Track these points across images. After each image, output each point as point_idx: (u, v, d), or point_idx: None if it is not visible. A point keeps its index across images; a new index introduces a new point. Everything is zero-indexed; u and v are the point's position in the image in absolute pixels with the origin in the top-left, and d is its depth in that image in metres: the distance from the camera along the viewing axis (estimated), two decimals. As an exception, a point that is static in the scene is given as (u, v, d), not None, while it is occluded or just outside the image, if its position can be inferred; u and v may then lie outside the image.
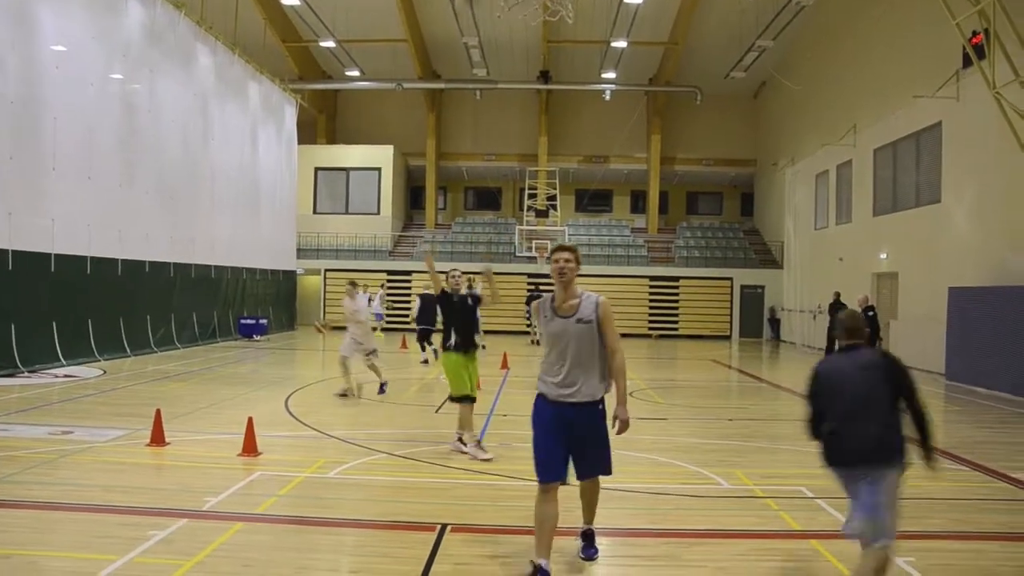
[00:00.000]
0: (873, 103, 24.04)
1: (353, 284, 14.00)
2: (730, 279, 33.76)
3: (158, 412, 9.26)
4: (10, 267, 15.56)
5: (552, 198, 35.85)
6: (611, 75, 35.67)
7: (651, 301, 33.79)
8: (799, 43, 31.00)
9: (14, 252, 15.61)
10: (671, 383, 17.79)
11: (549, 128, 37.54)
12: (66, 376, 15.39)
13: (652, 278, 33.95)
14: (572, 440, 5.13)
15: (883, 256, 23.10)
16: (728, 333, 33.57)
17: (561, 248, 5.22)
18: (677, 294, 33.84)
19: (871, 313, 16.14)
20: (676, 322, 33.73)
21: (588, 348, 5.14)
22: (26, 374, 15.24)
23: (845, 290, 23.05)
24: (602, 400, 5.21)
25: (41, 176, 16.30)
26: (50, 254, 16.72)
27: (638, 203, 40.32)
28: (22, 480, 7.42)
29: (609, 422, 5.19)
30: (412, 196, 40.43)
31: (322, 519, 6.37)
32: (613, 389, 5.20)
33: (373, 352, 13.52)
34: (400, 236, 37.30)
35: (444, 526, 6.16)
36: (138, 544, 5.63)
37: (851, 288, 22.84)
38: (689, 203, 41.24)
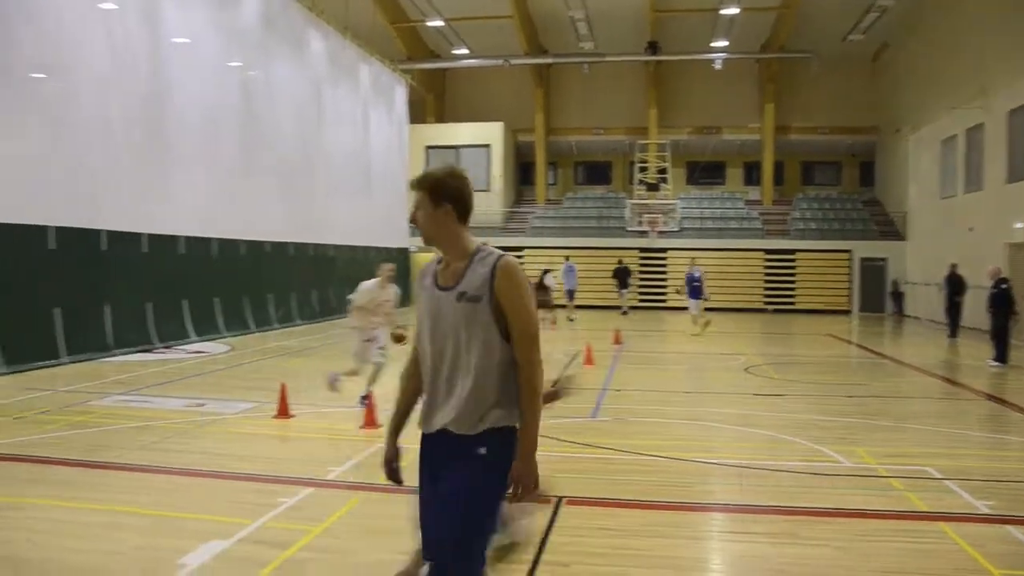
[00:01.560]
0: (1007, 62, 22.64)
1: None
2: (849, 252, 32.57)
3: (283, 386, 9.66)
4: (145, 249, 16.47)
5: (663, 171, 35.33)
6: (722, 43, 34.76)
7: (766, 275, 32.99)
8: (922, 1, 29.45)
9: (148, 235, 16.52)
10: (787, 358, 17.38)
11: (658, 100, 36.94)
12: (196, 352, 16.21)
13: (767, 251, 33.10)
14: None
15: (1019, 226, 21.84)
16: (847, 307, 32.45)
17: (412, 184, 3.25)
18: (793, 268, 32.91)
19: (1004, 286, 15.33)
20: (792, 296, 32.83)
21: (477, 343, 3.09)
22: (161, 350, 16.13)
23: (975, 263, 21.86)
24: (495, 436, 3.14)
25: (169, 163, 17.12)
26: (179, 236, 17.61)
27: (752, 174, 39.26)
28: (161, 448, 7.90)
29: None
30: (522, 172, 40.54)
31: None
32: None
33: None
34: (511, 212, 37.49)
35: (558, 498, 6.23)
36: (268, 510, 5.92)
37: (982, 260, 21.67)
38: (805, 173, 39.88)
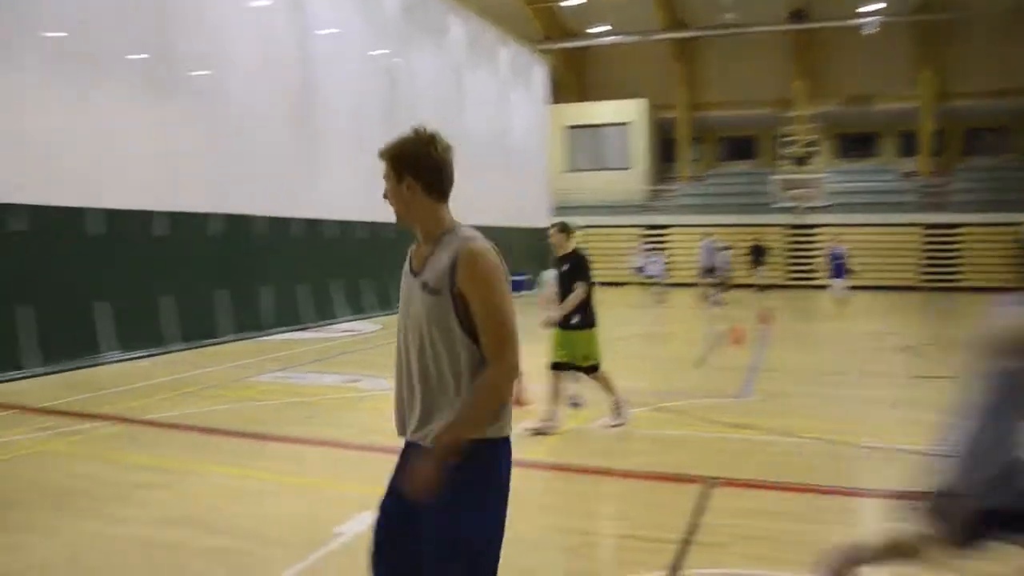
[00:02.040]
0: None
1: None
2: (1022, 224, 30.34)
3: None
4: (297, 233, 17.24)
5: (811, 144, 33.94)
6: (873, 7, 32.94)
7: (925, 251, 31.18)
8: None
9: (299, 220, 17.29)
10: (949, 338, 16.40)
11: (805, 70, 35.45)
12: (346, 331, 16.83)
13: (926, 226, 31.27)
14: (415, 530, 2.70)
15: None
16: (1022, 284, 30.30)
17: (379, 153, 2.86)
18: (956, 243, 30.95)
19: None
20: (955, 273, 30.90)
21: (440, 343, 2.62)
22: (313, 329, 16.85)
23: None
24: (482, 447, 2.65)
25: (318, 151, 17.83)
26: (329, 220, 18.32)
27: (908, 145, 37.11)
28: (318, 422, 8.25)
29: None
30: (663, 149, 39.84)
31: (587, 468, 6.51)
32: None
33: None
34: (653, 191, 36.97)
35: (710, 479, 6.09)
36: (421, 484, 6.06)
37: None
38: (968, 142, 37.35)
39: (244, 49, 15.56)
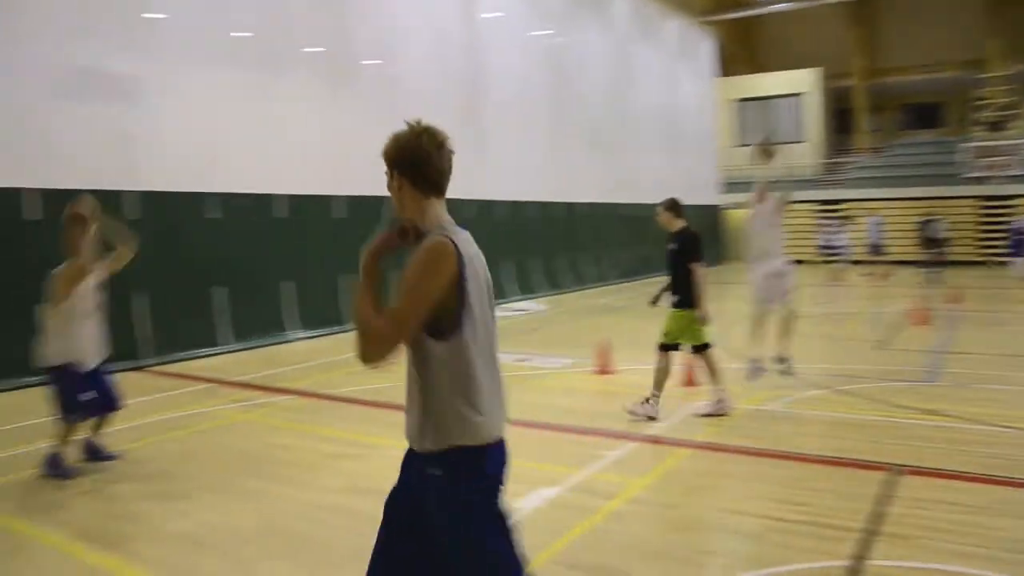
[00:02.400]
0: None
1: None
2: None
3: (604, 342, 9.92)
4: (469, 215, 17.67)
5: (1008, 107, 31.34)
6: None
7: None
8: None
9: (470, 201, 17.71)
10: None
11: (1001, 27, 32.70)
12: (517, 310, 17.13)
13: None
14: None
15: None
16: None
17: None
18: None
19: None
20: None
21: (415, 339, 2.59)
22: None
23: None
24: (443, 461, 2.57)
25: (487, 133, 18.17)
26: (498, 201, 18.69)
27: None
28: (492, 400, 8.46)
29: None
30: (839, 120, 37.96)
31: (763, 450, 6.38)
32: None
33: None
34: (828, 164, 35.33)
35: (895, 467, 5.83)
36: (593, 462, 6.15)
37: None
38: None
39: (414, 36, 16.10)
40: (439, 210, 2.69)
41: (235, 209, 12.62)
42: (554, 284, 20.49)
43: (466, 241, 2.65)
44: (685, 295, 7.59)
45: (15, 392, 9.32)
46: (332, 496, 5.54)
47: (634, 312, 16.14)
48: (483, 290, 2.65)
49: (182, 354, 11.60)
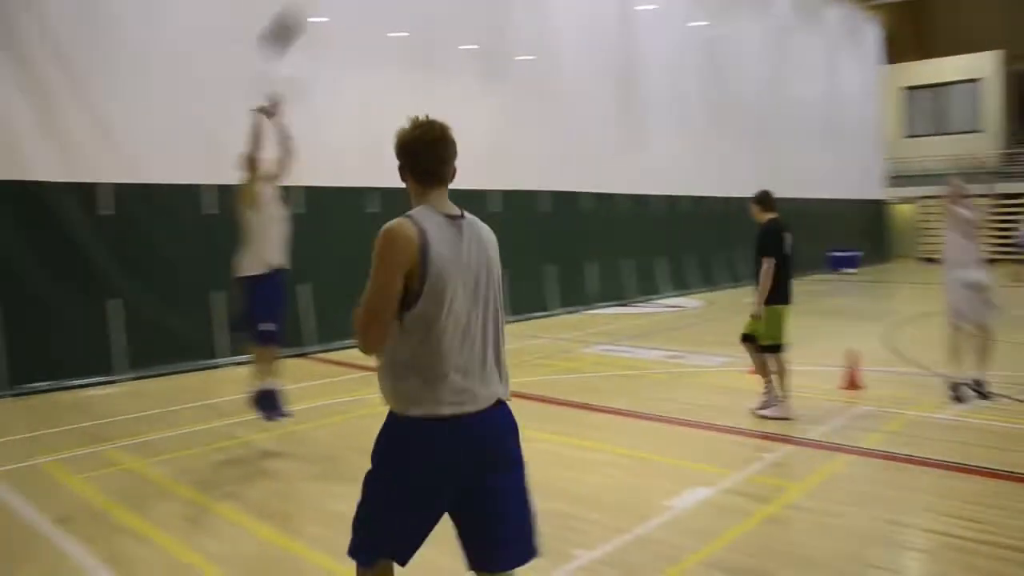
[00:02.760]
0: None
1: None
2: None
3: (757, 341, 9.64)
4: (622, 209, 17.61)
5: None
6: None
7: None
8: None
9: (624, 196, 17.64)
10: None
11: None
12: (670, 306, 16.90)
13: None
14: None
15: None
16: None
17: None
18: None
19: None
20: None
21: None
22: (638, 303, 17.13)
23: None
24: (390, 417, 2.91)
25: (642, 126, 18.04)
26: (653, 196, 18.51)
27: None
28: (645, 395, 8.40)
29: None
30: (1022, 107, 35.19)
31: (931, 460, 6.01)
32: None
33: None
34: (1009, 155, 32.83)
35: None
36: (749, 463, 5.98)
37: None
38: None
39: (568, 31, 16.14)
40: (435, 198, 2.85)
41: (393, 204, 12.99)
42: (709, 280, 20.08)
43: (443, 224, 2.79)
44: (769, 292, 7.38)
45: (199, 373, 10.01)
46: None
47: (792, 310, 15.60)
48: (458, 271, 2.73)
49: (343, 342, 12.11)
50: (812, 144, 24.82)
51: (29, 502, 5.53)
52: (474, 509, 2.81)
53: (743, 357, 10.03)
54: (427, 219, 2.75)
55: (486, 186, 14.56)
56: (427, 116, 2.91)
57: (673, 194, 19.08)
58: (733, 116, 21.06)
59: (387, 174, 12.99)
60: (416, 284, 2.64)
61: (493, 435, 2.82)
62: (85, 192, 9.87)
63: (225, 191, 10.78)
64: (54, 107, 9.62)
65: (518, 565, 2.85)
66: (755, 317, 7.37)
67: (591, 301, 16.53)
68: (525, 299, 14.99)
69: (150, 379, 9.88)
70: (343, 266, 12.22)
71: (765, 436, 6.74)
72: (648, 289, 18.15)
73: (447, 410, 2.71)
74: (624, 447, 6.51)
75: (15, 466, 6.45)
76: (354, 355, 11.49)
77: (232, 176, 10.51)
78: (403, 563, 2.89)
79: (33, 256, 9.49)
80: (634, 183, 17.89)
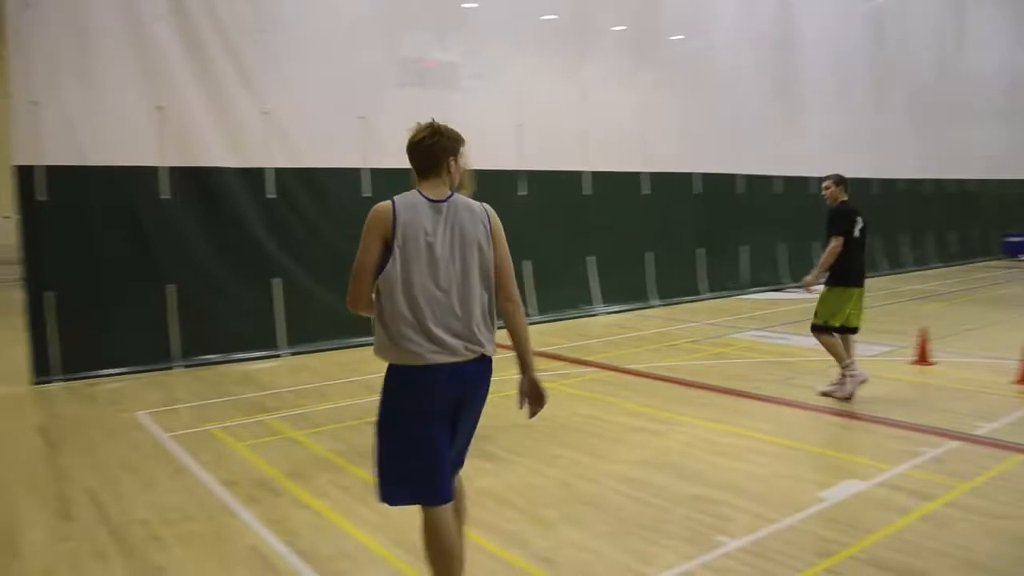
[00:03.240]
0: None
1: None
2: None
3: (924, 331, 9.14)
4: (778, 191, 17.06)
5: None
6: None
7: None
8: None
9: (780, 178, 17.11)
10: None
11: None
12: (826, 292, 16.24)
13: None
14: None
15: None
16: None
17: None
18: None
19: None
20: None
21: None
22: (791, 289, 16.56)
23: None
24: (388, 373, 3.41)
25: (798, 106, 17.35)
26: (810, 177, 17.79)
27: None
28: (797, 383, 8.13)
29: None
30: None
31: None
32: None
33: None
34: None
35: None
36: (908, 458, 5.69)
37: None
38: None
39: (723, 6, 15.72)
40: (425, 186, 3.39)
41: (544, 186, 13.11)
42: (868, 266, 19.12)
43: (422, 204, 3.32)
44: (830, 272, 7.55)
45: (352, 350, 10.44)
46: (629, 468, 5.62)
47: (958, 300, 14.71)
48: (425, 243, 3.26)
49: (499, 322, 12.33)
50: (988, 121, 23.14)
51: (201, 465, 5.95)
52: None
53: (904, 346, 9.60)
54: (405, 200, 3.32)
55: (637, 168, 14.44)
56: (431, 121, 3.47)
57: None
58: (898, 93, 19.89)
59: (536, 158, 13.28)
60: (388, 250, 3.24)
61: (465, 383, 3.34)
62: (253, 177, 10.45)
63: (379, 175, 11.21)
64: (225, 97, 10.23)
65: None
66: (804, 286, 7.79)
67: (743, 286, 16.11)
68: (674, 283, 14.80)
69: (308, 355, 10.39)
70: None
71: (927, 430, 6.39)
72: (803, 275, 17.47)
73: (413, 360, 3.24)
74: (775, 435, 6.33)
75: (189, 431, 6.95)
76: (502, 336, 11.67)
77: (386, 160, 10.96)
78: (432, 503, 3.36)
79: (207, 238, 10.15)
80: (789, 164, 17.25)
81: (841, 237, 7.49)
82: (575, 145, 13.53)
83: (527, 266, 12.90)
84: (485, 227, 3.42)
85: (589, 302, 13.74)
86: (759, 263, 16.60)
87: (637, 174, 14.46)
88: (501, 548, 4.37)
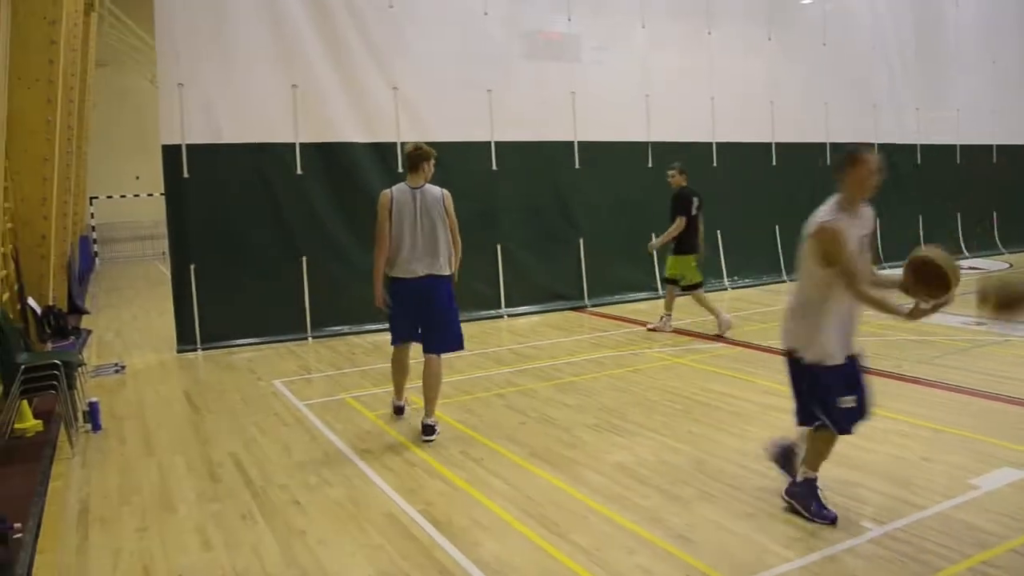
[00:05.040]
0: None
1: None
2: None
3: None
4: (918, 161, 16.17)
5: None
6: None
7: None
8: None
9: (921, 146, 16.18)
10: None
11: None
12: (970, 267, 15.34)
13: None
14: None
15: None
16: None
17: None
18: None
19: None
20: None
21: None
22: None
23: None
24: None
25: (944, 66, 16.38)
26: (956, 146, 16.81)
27: None
28: (942, 363, 7.71)
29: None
30: None
31: None
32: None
33: None
34: None
35: None
36: (1066, 446, 5.31)
37: None
38: None
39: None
40: (410, 179, 5.91)
41: (666, 159, 12.82)
42: (1019, 240, 17.96)
43: (405, 190, 5.88)
44: (677, 243, 9.75)
45: (483, 322, 10.50)
46: (760, 446, 5.44)
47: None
48: (408, 212, 5.82)
49: (612, 297, 12.21)
50: None
51: (336, 433, 6.12)
52: (422, 324, 5.97)
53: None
54: (398, 188, 5.89)
55: (766, 139, 13.98)
56: (416, 142, 5.96)
57: (978, 143, 17.21)
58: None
59: (660, 129, 13.00)
60: (390, 217, 5.80)
61: (425, 289, 5.86)
62: (383, 151, 10.64)
63: (504, 147, 11.24)
64: (356, 74, 10.43)
65: (442, 352, 5.99)
66: (650, 250, 10.34)
67: (883, 260, 15.38)
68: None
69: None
70: (616, 219, 12.29)
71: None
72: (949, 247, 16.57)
73: (401, 275, 5.87)
74: (921, 418, 6.01)
75: (324, 399, 7.18)
76: (627, 309, 11.59)
77: (515, 134, 11.00)
78: (400, 343, 6.23)
79: (339, 212, 10.41)
80: (931, 133, 16.34)
81: (683, 216, 9.46)
82: (703, 116, 13.21)
83: (653, 239, 12.71)
84: (440, 203, 5.87)
85: (719, 276, 13.40)
86: (896, 236, 15.77)
87: (762, 144, 13.99)
88: (636, 524, 4.31)
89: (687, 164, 13.08)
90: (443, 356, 5.98)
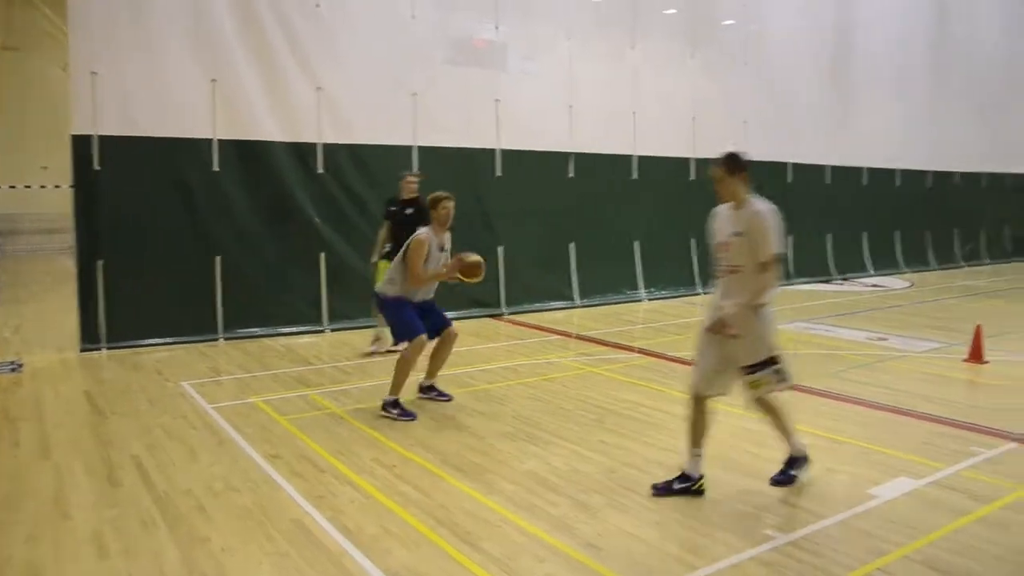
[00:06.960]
0: None
1: None
2: None
3: (978, 328, 8.88)
4: (827, 181, 16.72)
5: None
6: None
7: None
8: None
9: (830, 167, 16.75)
10: None
11: None
12: (873, 285, 15.94)
13: None
14: None
15: None
16: None
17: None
18: None
19: None
20: None
21: None
22: (838, 281, 16.28)
23: None
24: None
25: (854, 94, 17.03)
26: (862, 168, 17.45)
27: None
28: (847, 377, 7.98)
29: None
30: None
31: None
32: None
33: None
34: None
35: None
36: (962, 458, 5.55)
37: None
38: None
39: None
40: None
41: (588, 169, 12.98)
42: (918, 260, 18.73)
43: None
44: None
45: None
46: (676, 457, 5.53)
47: (1017, 296, 14.39)
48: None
49: (531, 305, 12.28)
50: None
51: (245, 437, 5.98)
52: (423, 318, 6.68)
53: (955, 343, 9.38)
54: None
55: (686, 154, 14.26)
56: (443, 192, 6.83)
57: (882, 167, 17.89)
58: (960, 83, 19.27)
59: (582, 139, 13.21)
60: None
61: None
62: (303, 151, 10.48)
63: (427, 152, 11.20)
64: (278, 72, 10.25)
65: (443, 328, 6.89)
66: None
67: (789, 276, 15.83)
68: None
69: (349, 331, 10.42)
70: (536, 228, 12.38)
71: (982, 430, 6.22)
72: (850, 266, 17.15)
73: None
74: (822, 429, 6.20)
75: (232, 403, 7.00)
76: (544, 318, 11.64)
77: (438, 139, 11.00)
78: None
79: (255, 211, 10.20)
80: (839, 154, 16.94)
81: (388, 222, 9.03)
82: (624, 129, 13.41)
83: (571, 249, 12.83)
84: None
85: (634, 287, 13.60)
86: (805, 254, 16.27)
87: (687, 160, 14.27)
88: (547, 533, 4.32)
89: (603, 175, 13.31)
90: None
